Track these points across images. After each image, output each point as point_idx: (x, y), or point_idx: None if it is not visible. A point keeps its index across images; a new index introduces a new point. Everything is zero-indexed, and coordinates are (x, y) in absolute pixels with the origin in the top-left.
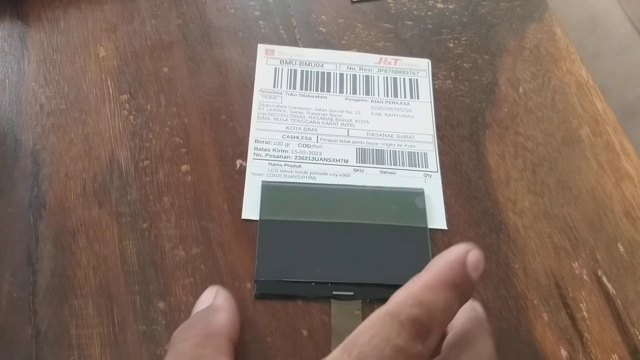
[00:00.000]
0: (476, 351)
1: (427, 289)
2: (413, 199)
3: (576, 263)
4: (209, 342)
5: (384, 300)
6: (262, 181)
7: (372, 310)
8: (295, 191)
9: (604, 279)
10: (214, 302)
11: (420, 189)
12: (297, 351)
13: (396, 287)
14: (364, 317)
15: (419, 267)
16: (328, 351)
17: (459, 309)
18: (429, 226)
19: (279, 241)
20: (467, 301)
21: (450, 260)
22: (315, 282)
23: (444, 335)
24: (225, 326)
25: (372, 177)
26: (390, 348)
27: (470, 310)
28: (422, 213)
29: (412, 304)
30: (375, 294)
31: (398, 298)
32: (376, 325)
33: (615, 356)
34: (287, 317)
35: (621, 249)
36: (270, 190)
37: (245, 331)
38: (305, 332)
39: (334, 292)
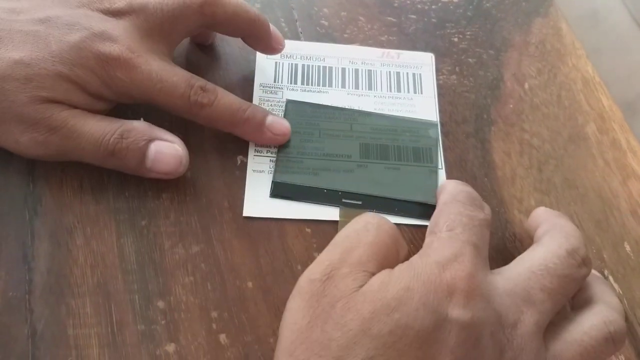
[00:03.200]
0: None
1: (459, 185)
2: (427, 130)
3: None
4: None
5: (389, 211)
6: (287, 99)
7: None
8: (317, 107)
9: (611, 278)
10: None
11: (434, 121)
12: None
13: (401, 201)
14: None
15: (424, 184)
16: None
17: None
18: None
19: (298, 143)
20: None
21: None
22: (326, 190)
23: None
24: (406, 249)
25: (375, 173)
26: (466, 216)
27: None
28: (434, 142)
29: (460, 189)
30: (381, 205)
31: (444, 197)
32: (446, 207)
33: (622, 357)
34: None
35: (628, 248)
36: (294, 105)
37: (247, 331)
38: None
39: (343, 200)
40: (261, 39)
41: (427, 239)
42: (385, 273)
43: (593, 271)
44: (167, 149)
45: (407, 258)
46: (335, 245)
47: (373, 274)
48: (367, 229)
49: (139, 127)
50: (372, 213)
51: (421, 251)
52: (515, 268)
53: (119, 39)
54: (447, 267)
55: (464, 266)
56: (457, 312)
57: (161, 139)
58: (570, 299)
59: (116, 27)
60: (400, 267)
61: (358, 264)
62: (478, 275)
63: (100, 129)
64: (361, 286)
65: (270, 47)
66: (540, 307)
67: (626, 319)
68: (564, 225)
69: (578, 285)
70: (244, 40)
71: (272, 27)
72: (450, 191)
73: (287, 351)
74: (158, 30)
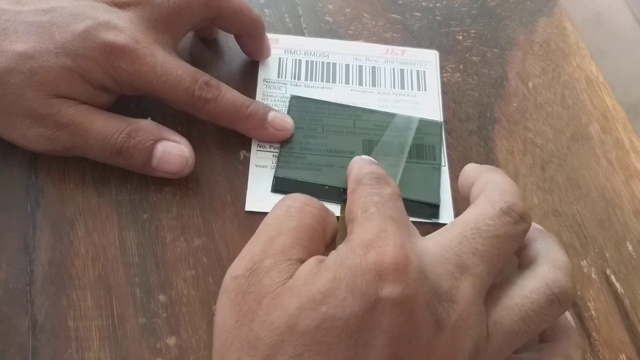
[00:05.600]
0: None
1: (363, 165)
2: (430, 127)
3: (585, 261)
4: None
5: None
6: (291, 94)
7: None
8: (321, 103)
9: (613, 277)
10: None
11: (438, 119)
12: None
13: (404, 200)
14: None
15: (427, 182)
16: None
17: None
18: (440, 220)
19: (301, 139)
20: None
21: (356, 158)
22: (328, 186)
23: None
24: (334, 227)
25: None
26: (374, 194)
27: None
28: (438, 139)
29: (365, 172)
30: None
31: (351, 185)
32: (355, 193)
33: (623, 356)
34: None
35: (630, 247)
36: (298, 101)
37: None
38: None
39: (344, 197)
40: (256, 40)
41: (348, 227)
42: (312, 264)
43: (535, 225)
44: (173, 150)
45: (335, 234)
46: (257, 236)
47: (301, 261)
48: (290, 213)
49: (147, 126)
50: (296, 194)
51: (345, 239)
52: (447, 233)
53: (125, 29)
54: (371, 246)
55: (387, 240)
56: (386, 289)
57: (168, 139)
58: (515, 256)
59: (122, 18)
60: (328, 257)
61: (281, 253)
62: (405, 245)
63: (108, 128)
64: (289, 277)
65: (260, 50)
66: (475, 271)
67: (627, 317)
68: (499, 182)
69: (516, 242)
70: (238, 39)
71: (266, 34)
72: (354, 177)
73: (219, 354)
74: (164, 22)
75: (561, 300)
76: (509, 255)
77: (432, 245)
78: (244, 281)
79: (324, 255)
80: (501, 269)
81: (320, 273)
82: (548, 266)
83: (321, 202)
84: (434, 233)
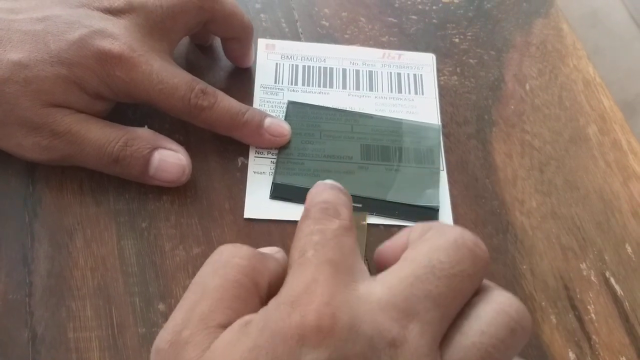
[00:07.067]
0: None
1: (319, 192)
2: (428, 131)
3: (584, 264)
4: (253, 273)
5: (389, 214)
6: (288, 100)
7: (377, 226)
8: (318, 109)
9: (612, 280)
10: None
11: (435, 122)
12: None
13: (402, 204)
14: (368, 229)
15: (425, 186)
16: None
17: (347, 197)
18: None
19: (299, 145)
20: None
21: (318, 183)
22: None
23: None
24: (271, 274)
25: (376, 175)
26: (316, 232)
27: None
28: (436, 143)
29: (315, 202)
30: (381, 209)
31: (307, 205)
32: (298, 230)
33: (623, 359)
34: None
35: (629, 249)
36: (295, 107)
37: None
38: None
39: None
40: (244, 45)
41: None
42: (235, 329)
43: None
44: (170, 158)
45: (276, 280)
46: (183, 299)
47: (223, 326)
48: (215, 269)
49: (144, 135)
50: (226, 245)
51: (278, 292)
52: (399, 272)
53: (120, 37)
54: (297, 303)
55: (314, 296)
56: (310, 356)
57: (165, 148)
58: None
59: (116, 26)
60: (254, 318)
61: (200, 321)
62: (333, 301)
63: (104, 136)
64: (205, 349)
65: (247, 57)
66: (426, 317)
67: (627, 319)
68: (443, 223)
69: (475, 281)
70: (225, 43)
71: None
72: (305, 207)
73: None
74: (159, 27)
75: (523, 325)
76: (467, 296)
77: (379, 289)
78: (164, 355)
79: (258, 305)
80: (458, 312)
81: (240, 341)
82: (497, 290)
83: (254, 249)
84: (386, 271)
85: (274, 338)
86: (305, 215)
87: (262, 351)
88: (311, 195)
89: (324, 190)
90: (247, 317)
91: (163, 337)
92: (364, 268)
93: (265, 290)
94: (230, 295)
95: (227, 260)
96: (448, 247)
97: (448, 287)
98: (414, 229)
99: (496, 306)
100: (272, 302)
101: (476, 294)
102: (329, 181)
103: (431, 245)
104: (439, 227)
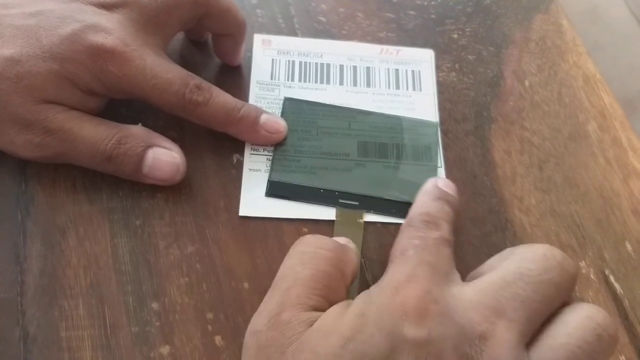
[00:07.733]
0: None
1: (424, 202)
2: (426, 128)
3: (583, 262)
4: (339, 264)
5: (386, 212)
6: (285, 97)
7: (374, 224)
8: (315, 105)
9: (612, 278)
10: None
11: (434, 119)
12: None
13: (399, 202)
14: (365, 227)
15: (423, 184)
16: None
17: (451, 209)
18: None
19: (295, 141)
20: (455, 209)
21: (427, 189)
22: (323, 190)
23: None
24: (353, 264)
25: (374, 172)
26: (417, 238)
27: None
28: (434, 140)
29: (418, 214)
30: (378, 206)
31: (403, 224)
32: (400, 235)
33: (622, 357)
34: None
35: (629, 247)
36: (292, 103)
37: (243, 333)
38: None
39: (340, 201)
40: (237, 42)
41: (387, 267)
42: (342, 304)
43: None
44: (164, 157)
45: (355, 269)
46: (272, 289)
47: (320, 311)
48: (303, 261)
49: (137, 132)
50: (308, 237)
51: (379, 280)
52: (488, 277)
53: (113, 31)
54: (400, 289)
55: (416, 285)
56: (412, 331)
57: (159, 146)
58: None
59: (110, 20)
60: (357, 298)
61: (297, 304)
62: (433, 291)
63: (97, 134)
64: (311, 324)
65: (238, 54)
66: (513, 316)
67: (626, 317)
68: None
69: (563, 292)
70: (216, 40)
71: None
72: (408, 217)
73: None
74: (153, 22)
75: (610, 332)
76: (554, 305)
77: (470, 290)
78: (263, 336)
79: (345, 293)
80: (545, 318)
81: (348, 312)
82: (585, 303)
83: (335, 241)
84: (477, 279)
85: (381, 311)
86: (407, 224)
87: (369, 319)
88: (416, 204)
89: (429, 201)
90: (344, 302)
91: (259, 322)
92: (458, 276)
93: (350, 278)
94: (322, 285)
95: (315, 251)
96: (537, 258)
97: (535, 292)
98: (501, 253)
99: (583, 313)
100: (373, 288)
101: (564, 306)
102: (441, 182)
103: (521, 257)
104: (527, 245)
